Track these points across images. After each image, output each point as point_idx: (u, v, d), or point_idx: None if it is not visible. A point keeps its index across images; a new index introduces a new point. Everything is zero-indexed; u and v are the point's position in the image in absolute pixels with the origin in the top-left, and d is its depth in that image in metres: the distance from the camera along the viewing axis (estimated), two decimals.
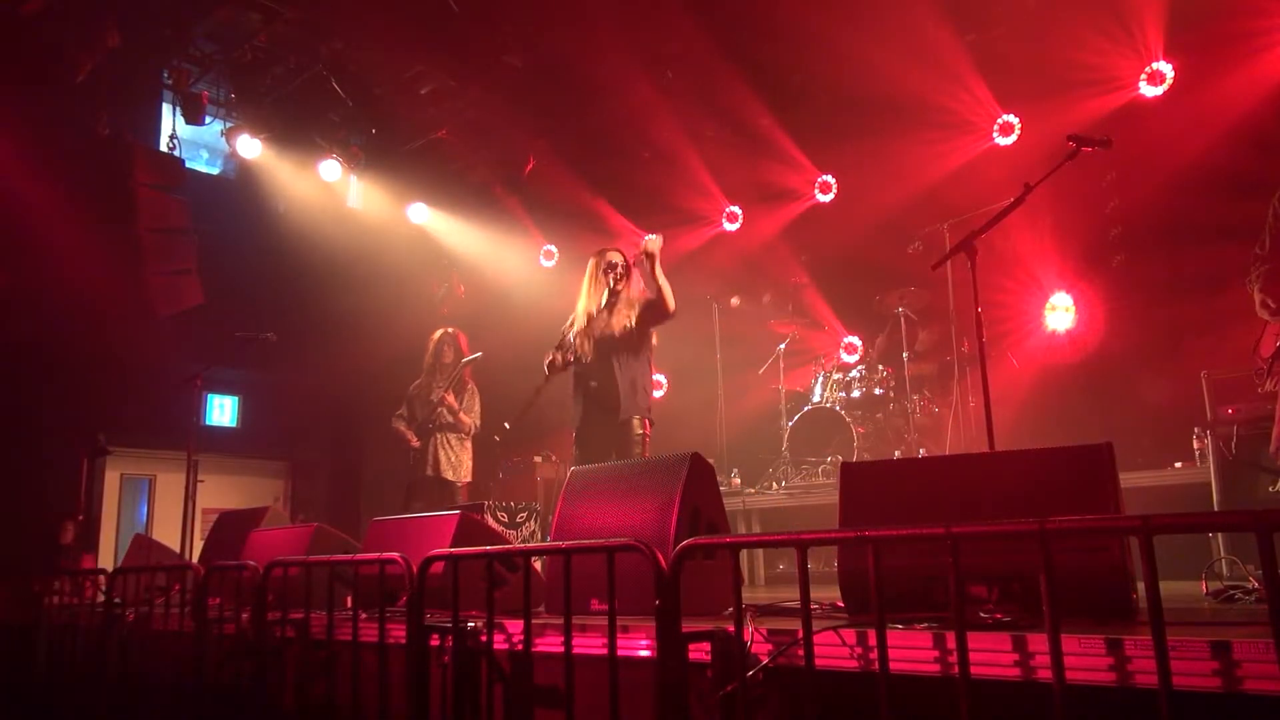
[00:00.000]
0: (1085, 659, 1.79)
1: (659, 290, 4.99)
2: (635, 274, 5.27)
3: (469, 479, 6.93)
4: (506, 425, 6.32)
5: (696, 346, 9.01)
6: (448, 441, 6.78)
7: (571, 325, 5.24)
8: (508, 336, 9.66)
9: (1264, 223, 4.00)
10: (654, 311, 5.08)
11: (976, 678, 1.78)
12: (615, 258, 5.25)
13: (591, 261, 5.31)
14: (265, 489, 10.18)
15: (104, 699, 4.06)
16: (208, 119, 8.78)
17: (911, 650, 2.00)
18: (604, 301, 5.13)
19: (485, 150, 9.73)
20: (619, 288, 5.19)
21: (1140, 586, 1.74)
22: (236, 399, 9.92)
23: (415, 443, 6.77)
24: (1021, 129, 7.73)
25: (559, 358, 5.19)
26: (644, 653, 2.42)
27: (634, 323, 5.09)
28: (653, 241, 4.98)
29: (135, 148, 8.30)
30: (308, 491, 10.35)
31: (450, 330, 7.06)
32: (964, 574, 1.74)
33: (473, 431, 6.89)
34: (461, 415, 6.78)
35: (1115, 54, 7.08)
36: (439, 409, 6.72)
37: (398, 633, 2.82)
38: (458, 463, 6.82)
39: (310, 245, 9.37)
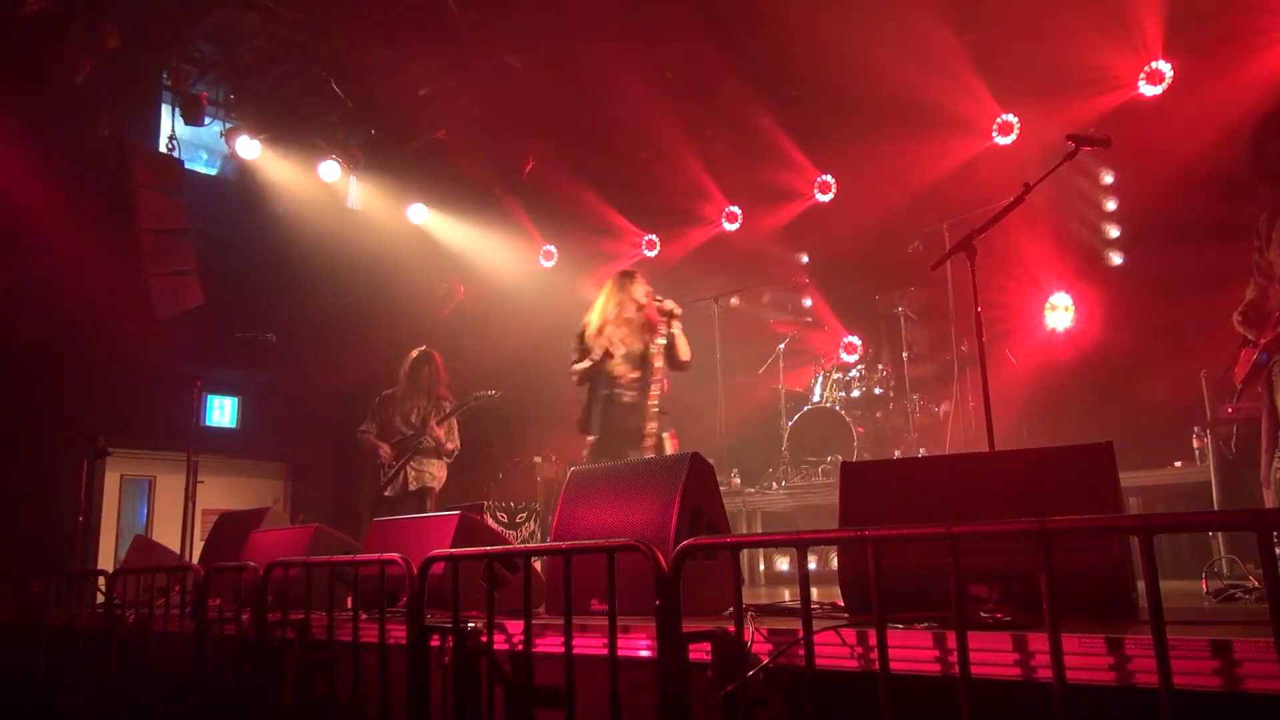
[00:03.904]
0: (1086, 658, 1.79)
1: None
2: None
3: (439, 487, 6.84)
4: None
5: (697, 346, 9.01)
6: (420, 463, 6.68)
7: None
8: (508, 337, 9.68)
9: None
10: None
11: (977, 677, 1.78)
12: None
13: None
14: (265, 490, 10.17)
15: (104, 700, 4.06)
16: (207, 120, 8.78)
17: (912, 650, 2.00)
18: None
19: (485, 150, 9.73)
20: None
21: (1140, 586, 1.74)
22: (236, 400, 9.91)
23: (388, 454, 6.64)
24: (1021, 129, 7.73)
25: None
26: (644, 653, 2.42)
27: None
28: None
29: (135, 149, 8.30)
30: (307, 492, 10.34)
31: (426, 350, 6.94)
32: (964, 574, 1.74)
33: (455, 455, 6.80)
34: (447, 444, 6.69)
35: (1114, 53, 7.08)
36: (423, 437, 6.64)
37: (398, 633, 2.82)
38: (432, 476, 6.71)
39: (310, 246, 9.37)
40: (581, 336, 5.60)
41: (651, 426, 5.40)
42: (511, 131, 9.38)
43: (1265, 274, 3.98)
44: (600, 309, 5.62)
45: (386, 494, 6.62)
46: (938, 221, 7.26)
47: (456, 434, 6.83)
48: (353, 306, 9.63)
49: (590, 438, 5.46)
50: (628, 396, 5.43)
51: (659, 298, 5.62)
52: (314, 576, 3.30)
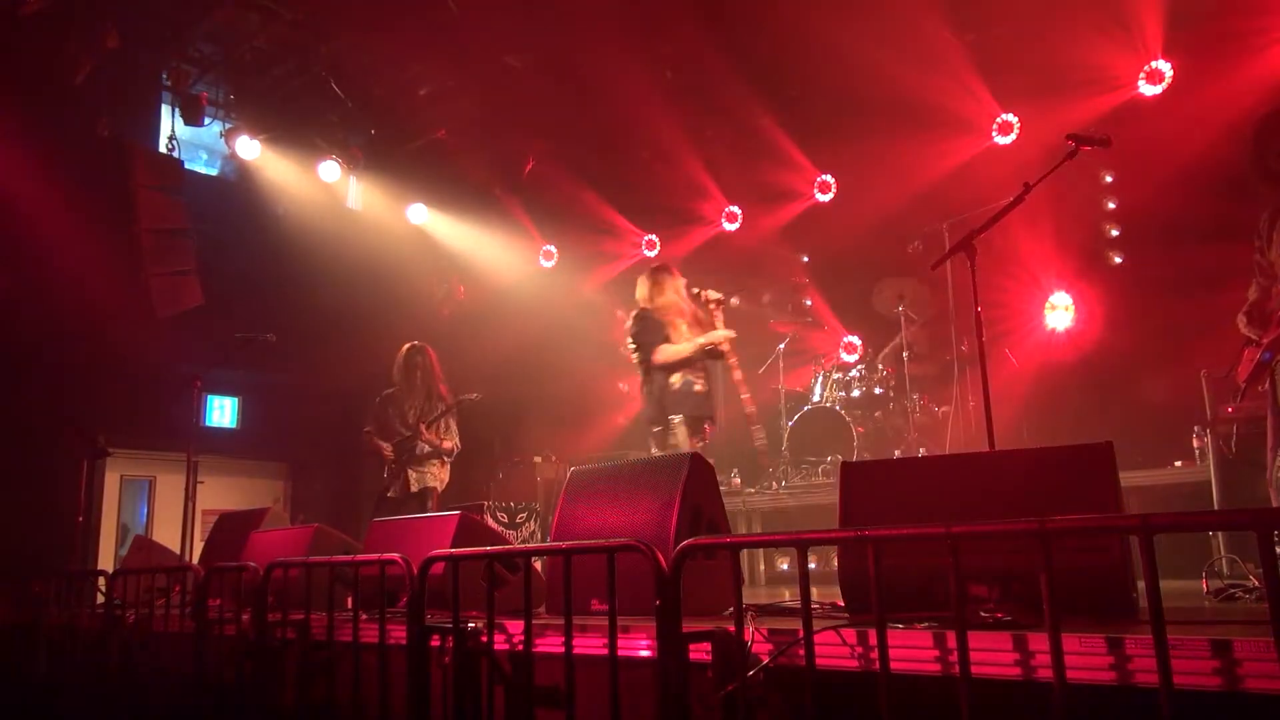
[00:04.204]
0: (1086, 658, 1.79)
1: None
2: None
3: (442, 487, 6.82)
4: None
5: None
6: (421, 466, 6.63)
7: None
8: (508, 337, 9.68)
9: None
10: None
11: (977, 677, 1.78)
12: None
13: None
14: (265, 490, 10.17)
15: (104, 700, 4.06)
16: (207, 120, 8.78)
17: (912, 650, 2.00)
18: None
19: (485, 150, 9.73)
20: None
21: (1140, 585, 1.74)
22: (236, 400, 9.91)
23: (389, 454, 6.61)
24: (1020, 128, 7.73)
25: None
26: (644, 653, 2.42)
27: None
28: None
29: (134, 149, 8.30)
30: (307, 492, 10.35)
31: (418, 344, 6.87)
32: (964, 573, 1.74)
33: (455, 453, 6.78)
34: (443, 443, 6.66)
35: (1114, 53, 7.08)
36: (418, 442, 6.61)
37: (398, 633, 2.82)
38: (433, 477, 6.67)
39: (310, 246, 9.37)
40: (651, 320, 5.43)
41: (753, 412, 5.53)
42: (511, 131, 9.37)
43: (1267, 274, 3.99)
44: (654, 299, 5.51)
45: (390, 495, 6.60)
46: (938, 221, 7.26)
47: (454, 432, 6.79)
48: (353, 306, 9.63)
49: (656, 428, 5.35)
50: (699, 385, 5.40)
51: (696, 288, 5.58)
52: (314, 577, 3.31)
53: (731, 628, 2.12)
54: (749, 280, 9.24)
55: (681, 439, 5.24)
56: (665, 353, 5.34)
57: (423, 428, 6.56)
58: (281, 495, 10.36)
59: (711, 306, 5.51)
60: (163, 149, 8.88)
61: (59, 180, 7.51)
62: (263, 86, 9.01)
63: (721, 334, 5.44)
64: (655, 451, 5.31)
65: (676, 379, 5.36)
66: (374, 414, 6.84)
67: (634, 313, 5.58)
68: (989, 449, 3.84)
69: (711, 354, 5.50)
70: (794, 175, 9.05)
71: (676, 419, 5.28)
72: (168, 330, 8.06)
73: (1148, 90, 7.10)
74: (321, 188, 9.42)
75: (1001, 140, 7.80)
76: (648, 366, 5.41)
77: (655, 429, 5.37)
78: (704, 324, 5.49)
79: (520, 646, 2.56)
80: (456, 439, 6.77)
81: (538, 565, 3.77)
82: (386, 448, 6.63)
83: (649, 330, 5.42)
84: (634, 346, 5.47)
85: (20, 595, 4.83)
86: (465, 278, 10.51)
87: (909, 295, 7.73)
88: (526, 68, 8.45)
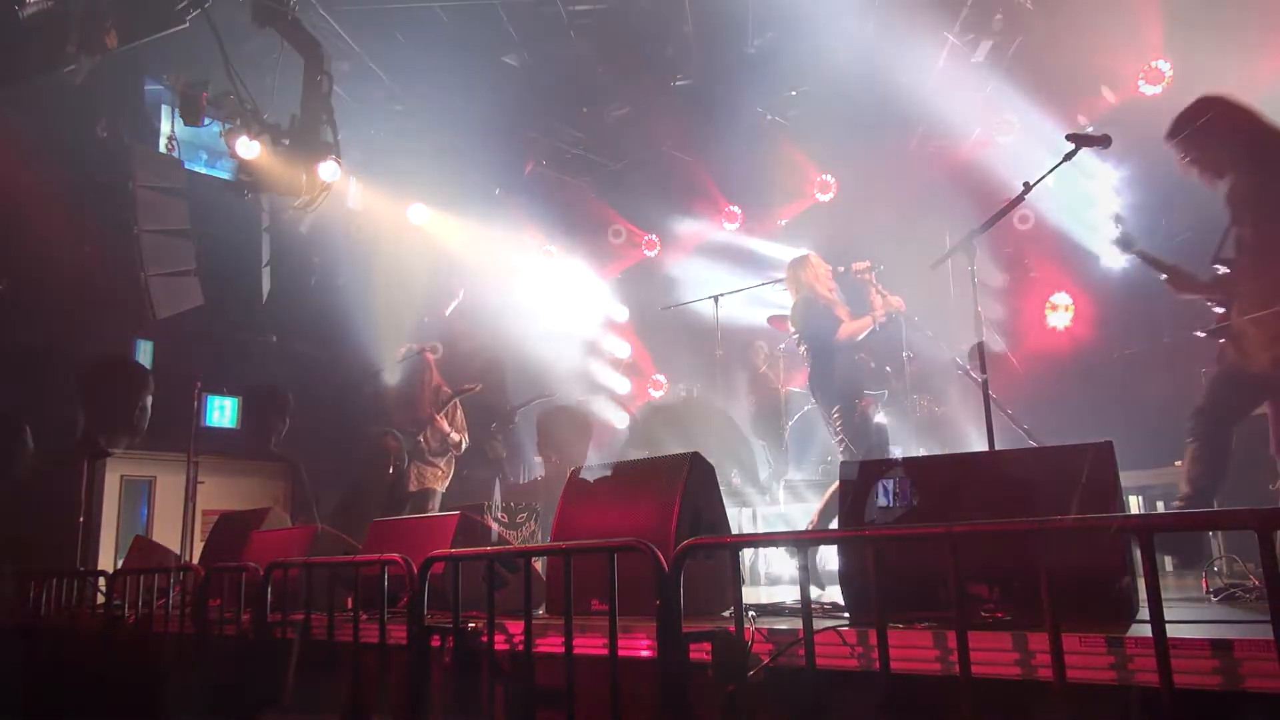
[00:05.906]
0: (1086, 658, 1.79)
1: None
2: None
3: (441, 487, 6.84)
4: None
5: (697, 345, 9.03)
6: (422, 465, 6.68)
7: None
8: (508, 337, 9.68)
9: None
10: None
11: (977, 677, 1.78)
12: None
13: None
14: (265, 491, 10.16)
15: (104, 700, 4.05)
16: (206, 120, 8.76)
17: (912, 649, 2.00)
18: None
19: (485, 150, 9.72)
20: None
21: (1141, 585, 1.74)
22: (236, 400, 9.90)
23: (396, 450, 6.69)
24: (1021, 128, 7.73)
25: None
26: (645, 653, 2.42)
27: None
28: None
29: (134, 149, 8.30)
30: (307, 492, 10.33)
31: (418, 346, 6.92)
32: (964, 573, 1.74)
33: (464, 447, 6.81)
34: (451, 435, 6.70)
35: (1114, 53, 7.09)
36: (422, 435, 6.62)
37: (398, 633, 2.82)
38: (435, 475, 6.73)
39: (310, 246, 9.36)
40: (816, 305, 5.51)
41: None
42: (511, 131, 9.37)
43: None
44: (811, 286, 5.57)
45: (392, 494, 6.64)
46: (938, 221, 7.26)
47: (461, 422, 6.83)
48: (353, 306, 9.62)
49: (868, 394, 5.52)
50: (873, 362, 5.67)
51: (840, 266, 5.65)
52: (314, 577, 3.31)
53: (731, 628, 2.12)
54: (749, 280, 9.23)
55: (871, 413, 5.36)
56: (849, 329, 5.40)
57: (434, 415, 6.60)
58: (282, 496, 10.34)
59: (866, 276, 5.55)
60: (162, 149, 8.87)
61: (59, 181, 7.51)
62: (263, 86, 8.99)
63: (896, 299, 5.49)
64: (839, 433, 5.32)
65: (858, 358, 5.48)
66: (383, 414, 6.91)
67: (795, 302, 5.65)
68: (989, 449, 3.84)
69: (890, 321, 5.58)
70: (793, 175, 9.05)
71: (869, 394, 5.39)
72: (168, 330, 8.05)
73: (1148, 90, 7.10)
74: (322, 188, 9.39)
75: (1004, 139, 7.80)
76: (822, 350, 5.47)
77: (854, 403, 5.36)
78: (852, 301, 5.58)
79: (520, 646, 2.56)
80: (465, 434, 6.81)
81: (538, 565, 3.77)
82: (394, 447, 6.69)
83: (817, 314, 5.49)
84: (801, 334, 5.56)
85: (20, 595, 4.83)
86: (465, 278, 10.50)
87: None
88: (527, 68, 8.45)
